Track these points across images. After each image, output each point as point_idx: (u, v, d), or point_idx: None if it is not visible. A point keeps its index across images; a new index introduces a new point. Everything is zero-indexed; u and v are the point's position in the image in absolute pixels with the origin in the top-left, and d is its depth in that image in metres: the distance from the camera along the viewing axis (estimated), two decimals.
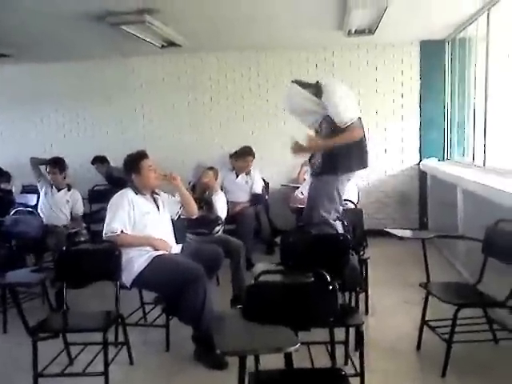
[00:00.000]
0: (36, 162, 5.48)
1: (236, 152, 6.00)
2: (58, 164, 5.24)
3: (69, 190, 5.28)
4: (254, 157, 5.92)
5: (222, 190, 5.28)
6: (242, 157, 5.88)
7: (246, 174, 5.90)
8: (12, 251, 4.46)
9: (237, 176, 5.89)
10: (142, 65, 7.06)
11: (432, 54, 6.42)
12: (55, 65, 7.16)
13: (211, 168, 4.63)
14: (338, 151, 3.51)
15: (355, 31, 5.55)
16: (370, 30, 5.47)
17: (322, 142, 3.69)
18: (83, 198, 5.90)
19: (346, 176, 3.65)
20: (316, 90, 3.60)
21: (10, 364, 3.13)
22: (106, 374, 2.66)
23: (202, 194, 4.51)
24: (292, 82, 3.70)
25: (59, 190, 5.24)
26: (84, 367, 2.87)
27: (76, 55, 6.80)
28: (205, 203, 4.44)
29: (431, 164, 6.28)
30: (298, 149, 3.70)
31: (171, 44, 5.94)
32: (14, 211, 4.81)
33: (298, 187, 5.71)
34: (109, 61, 7.04)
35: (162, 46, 5.97)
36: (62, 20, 4.86)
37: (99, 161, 6.72)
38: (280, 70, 6.63)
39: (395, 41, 6.32)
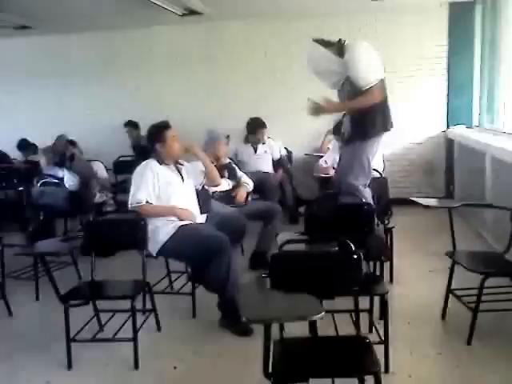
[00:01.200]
0: (47, 150, 5.80)
1: (248, 127, 5.92)
2: (72, 142, 5.66)
3: (89, 162, 5.62)
4: (265, 126, 5.85)
5: (238, 164, 5.26)
6: (255, 130, 5.81)
7: (263, 144, 5.87)
8: (41, 221, 4.58)
9: (255, 149, 5.85)
10: (162, 34, 6.98)
11: (461, 15, 6.19)
12: (76, 35, 7.15)
13: (227, 136, 4.62)
14: (364, 115, 3.46)
15: None
16: None
17: (338, 104, 3.64)
18: (108, 169, 6.04)
19: (375, 140, 3.60)
20: (338, 49, 3.52)
21: (44, 330, 3.25)
22: (135, 339, 2.74)
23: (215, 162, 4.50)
24: (313, 40, 3.61)
25: None
26: (114, 333, 2.95)
27: (96, 26, 6.77)
28: (228, 171, 4.44)
29: (459, 131, 6.13)
30: (315, 109, 3.65)
31: (192, 12, 5.86)
32: (41, 182, 4.90)
33: (322, 156, 5.67)
34: (129, 31, 6.98)
35: (183, 14, 5.89)
36: None
37: (132, 125, 6.81)
38: (304, 36, 6.44)
39: (423, 3, 6.09)
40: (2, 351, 2.99)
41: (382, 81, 3.50)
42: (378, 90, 3.42)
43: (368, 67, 3.40)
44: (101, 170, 5.60)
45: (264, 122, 5.86)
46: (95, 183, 5.30)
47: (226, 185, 4.34)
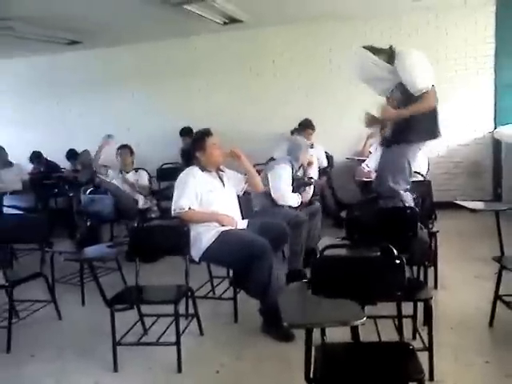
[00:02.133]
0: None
1: (298, 127, 5.92)
2: (127, 147, 5.67)
3: (136, 171, 5.67)
4: (313, 129, 5.83)
5: None
6: (303, 130, 5.80)
7: (311, 148, 5.80)
8: (88, 228, 4.75)
9: None
10: (205, 43, 7.11)
11: (509, 11, 5.96)
12: (122, 47, 7.38)
13: (312, 145, 4.68)
14: (406, 120, 3.42)
15: None
16: None
17: (396, 112, 3.58)
18: (152, 176, 6.17)
19: (417, 145, 3.55)
20: (388, 56, 3.50)
21: (91, 333, 3.34)
22: (178, 343, 2.79)
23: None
24: (363, 47, 3.60)
25: (128, 173, 5.60)
26: (157, 337, 3.02)
27: (140, 38, 6.99)
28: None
29: (507, 131, 5.92)
30: (371, 121, 3.64)
31: (233, 20, 5.95)
32: (89, 190, 5.07)
33: (364, 160, 5.60)
34: (172, 41, 7.14)
35: (224, 22, 5.98)
36: (126, 4, 4.98)
37: (187, 133, 6.73)
38: (344, 40, 6.45)
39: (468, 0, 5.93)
40: (52, 352, 3.11)
41: (434, 86, 3.46)
42: (434, 94, 3.37)
43: (421, 73, 3.38)
44: (142, 179, 5.64)
45: (313, 125, 5.87)
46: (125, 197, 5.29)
47: (295, 200, 4.37)
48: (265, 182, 4.37)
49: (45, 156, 7.18)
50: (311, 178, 4.74)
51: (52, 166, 7.10)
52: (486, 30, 6.11)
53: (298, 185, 4.48)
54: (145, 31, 6.57)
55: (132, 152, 5.68)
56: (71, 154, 6.98)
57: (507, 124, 6.09)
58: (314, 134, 5.90)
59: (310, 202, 4.62)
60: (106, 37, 6.72)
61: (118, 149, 5.70)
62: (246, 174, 3.70)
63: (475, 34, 6.15)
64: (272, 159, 5.98)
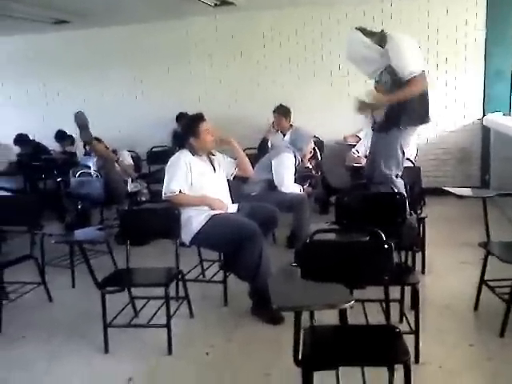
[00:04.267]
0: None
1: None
2: (98, 140, 5.41)
3: (116, 154, 5.55)
4: (280, 114, 5.71)
5: None
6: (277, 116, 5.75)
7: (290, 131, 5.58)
8: (78, 211, 4.72)
9: (284, 135, 5.67)
10: (196, 25, 7.00)
11: None
12: (110, 29, 7.24)
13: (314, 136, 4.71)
14: (400, 105, 3.46)
15: None
16: None
17: (386, 98, 3.61)
18: (142, 160, 6.11)
19: (409, 130, 3.60)
20: (379, 39, 3.53)
21: (82, 315, 3.36)
22: (168, 326, 2.82)
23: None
24: (355, 28, 3.62)
25: None
26: (148, 319, 3.04)
27: (130, 19, 6.84)
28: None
29: (496, 119, 5.96)
30: (363, 107, 3.66)
31: (224, 2, 5.88)
32: (79, 173, 5.03)
33: (354, 145, 5.62)
34: (162, 23, 7.02)
35: (215, 4, 5.92)
36: None
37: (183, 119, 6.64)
38: (336, 24, 6.42)
39: None
40: (43, 335, 3.13)
41: (424, 72, 3.50)
42: (422, 79, 3.42)
43: (411, 57, 3.43)
44: (124, 158, 5.59)
45: (276, 108, 5.77)
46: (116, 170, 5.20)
47: (297, 190, 4.44)
48: (267, 168, 4.39)
49: (32, 138, 7.09)
50: (311, 169, 4.76)
51: (40, 148, 7.01)
52: (477, 16, 6.11)
53: (302, 177, 4.50)
54: (134, 12, 6.45)
55: (99, 140, 5.42)
56: (60, 136, 6.90)
57: (496, 111, 6.14)
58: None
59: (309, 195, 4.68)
60: (95, 17, 6.57)
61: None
62: (236, 159, 3.72)
63: (466, 20, 6.13)
64: (263, 142, 6.00)
